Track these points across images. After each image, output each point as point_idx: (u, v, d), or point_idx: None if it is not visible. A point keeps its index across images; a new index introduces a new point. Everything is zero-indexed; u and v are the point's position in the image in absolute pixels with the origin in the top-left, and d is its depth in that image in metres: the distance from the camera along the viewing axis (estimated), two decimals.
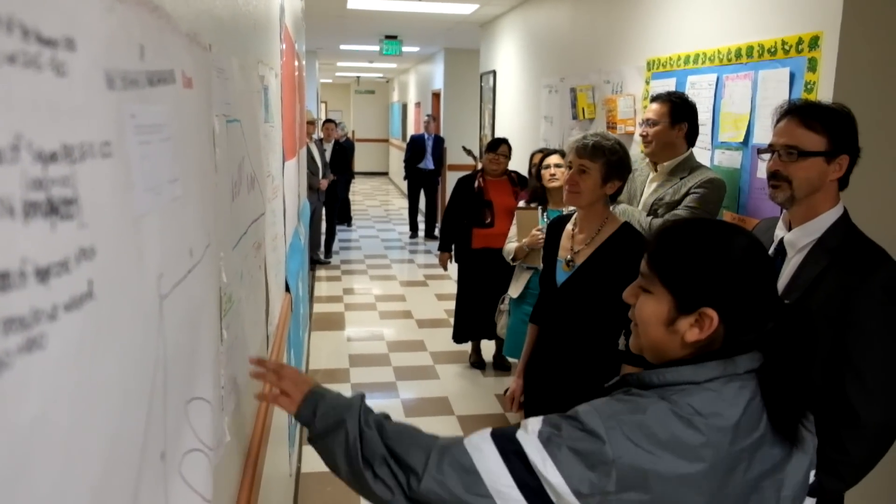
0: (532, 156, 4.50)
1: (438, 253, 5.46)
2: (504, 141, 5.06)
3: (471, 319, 5.20)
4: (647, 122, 2.97)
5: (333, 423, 1.27)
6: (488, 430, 1.17)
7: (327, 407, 1.31)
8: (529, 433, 1.12)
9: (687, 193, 2.82)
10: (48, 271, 0.48)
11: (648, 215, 2.89)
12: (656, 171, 3.00)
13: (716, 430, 1.07)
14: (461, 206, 5.07)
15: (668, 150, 2.94)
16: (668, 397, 1.10)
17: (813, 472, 1.23)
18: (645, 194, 3.02)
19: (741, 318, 1.13)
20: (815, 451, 1.23)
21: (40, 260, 0.48)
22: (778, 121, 1.84)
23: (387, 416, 1.31)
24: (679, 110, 2.91)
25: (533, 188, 4.09)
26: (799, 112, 1.79)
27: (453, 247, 5.28)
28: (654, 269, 1.17)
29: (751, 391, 1.12)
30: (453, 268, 5.52)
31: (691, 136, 2.95)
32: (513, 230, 4.04)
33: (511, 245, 3.98)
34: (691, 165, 2.91)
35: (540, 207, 3.97)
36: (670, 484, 1.05)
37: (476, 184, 5.00)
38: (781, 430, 1.12)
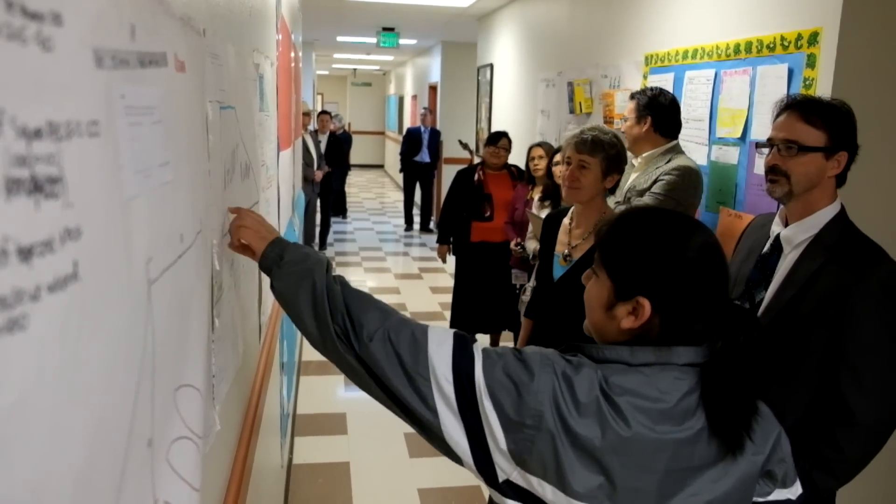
0: (530, 149, 4.49)
1: (437, 245, 5.45)
2: (504, 134, 5.05)
3: (468, 312, 5.19)
4: (622, 119, 3.11)
5: (303, 271, 1.28)
6: (454, 331, 1.22)
7: (297, 254, 1.32)
8: (477, 347, 1.18)
9: (656, 181, 2.86)
10: (31, 250, 0.47)
11: (620, 203, 2.92)
12: None
13: (638, 411, 1.08)
14: (460, 198, 5.06)
15: (641, 144, 3.01)
16: (603, 371, 1.12)
17: (785, 492, 1.22)
18: (626, 184, 3.06)
19: (676, 312, 1.14)
20: (791, 465, 1.22)
21: (23, 238, 0.46)
22: (777, 115, 1.83)
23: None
24: (641, 106, 2.98)
25: (545, 186, 4.09)
26: (799, 107, 1.78)
27: (451, 239, 5.27)
28: (600, 253, 1.21)
29: (689, 384, 1.12)
30: (450, 260, 5.50)
31: (665, 129, 2.99)
32: (531, 229, 4.06)
33: (532, 244, 4.01)
34: (671, 156, 2.95)
35: (551, 205, 3.96)
36: (578, 442, 1.07)
37: (476, 177, 4.99)
38: (718, 431, 1.12)
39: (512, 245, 4.35)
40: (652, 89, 3.05)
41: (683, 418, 1.10)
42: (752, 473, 1.16)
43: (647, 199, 2.85)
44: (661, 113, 2.97)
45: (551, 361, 1.13)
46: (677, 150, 2.99)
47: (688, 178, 2.84)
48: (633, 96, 3.08)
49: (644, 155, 3.00)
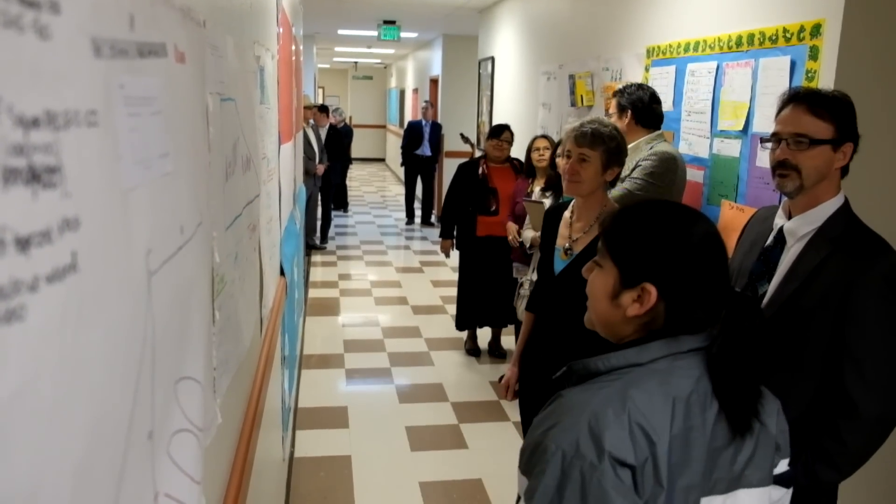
0: (532, 141, 4.48)
1: (440, 240, 5.44)
2: (507, 127, 5.04)
3: (473, 307, 5.19)
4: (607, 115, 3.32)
5: None
6: None
7: None
8: None
9: (635, 167, 3.03)
10: (29, 241, 0.47)
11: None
12: None
13: (669, 408, 1.08)
14: (463, 192, 5.05)
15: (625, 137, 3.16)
16: (613, 384, 1.11)
17: (786, 462, 1.23)
18: None
19: (681, 297, 1.15)
20: (786, 439, 1.23)
21: (20, 228, 0.46)
22: (781, 109, 1.82)
23: None
24: (621, 103, 3.21)
25: (548, 177, 4.09)
26: (806, 99, 1.76)
27: (454, 234, 5.26)
28: (606, 243, 1.22)
29: (699, 369, 1.13)
30: (453, 254, 5.50)
31: (646, 121, 3.18)
32: (528, 219, 4.06)
33: (528, 233, 4.00)
34: (653, 144, 3.12)
35: (553, 195, 3.95)
36: (628, 483, 1.05)
37: (480, 171, 4.98)
38: (730, 417, 1.13)
39: (509, 238, 4.35)
40: (630, 85, 3.27)
41: (704, 402, 1.11)
42: (768, 447, 1.18)
43: (626, 184, 2.98)
44: (639, 106, 3.17)
45: (561, 453, 1.06)
46: (660, 140, 3.17)
47: (664, 163, 3.01)
48: (613, 94, 3.30)
49: (630, 146, 3.11)
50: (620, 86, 3.39)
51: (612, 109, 3.26)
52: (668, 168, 3.01)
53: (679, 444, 1.08)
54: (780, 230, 1.86)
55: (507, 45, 7.28)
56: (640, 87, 3.25)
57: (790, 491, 1.28)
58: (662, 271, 1.14)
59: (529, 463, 1.10)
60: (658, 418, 1.07)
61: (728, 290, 1.18)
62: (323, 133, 9.02)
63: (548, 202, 3.88)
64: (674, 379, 1.11)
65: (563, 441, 1.06)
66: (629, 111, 3.18)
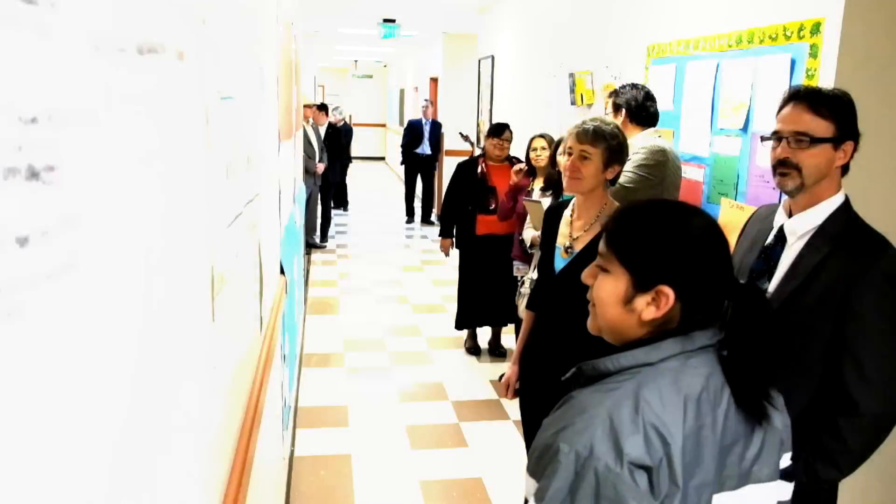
0: (531, 140, 4.48)
1: (440, 239, 5.43)
2: (507, 126, 5.03)
3: (474, 305, 5.19)
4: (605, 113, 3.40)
5: None
6: None
7: None
8: None
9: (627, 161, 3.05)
10: (28, 239, 0.47)
11: None
12: None
13: (682, 407, 1.07)
14: (462, 191, 5.05)
15: None
16: (624, 384, 1.10)
17: (788, 456, 1.23)
18: None
19: (697, 295, 1.14)
20: (789, 434, 1.23)
21: (20, 226, 0.46)
22: (782, 107, 1.81)
23: None
24: (615, 102, 3.30)
25: (548, 175, 4.09)
26: (807, 98, 1.76)
27: (454, 233, 5.26)
28: (612, 248, 1.18)
29: (709, 366, 1.13)
30: (453, 253, 5.49)
31: (640, 119, 3.24)
32: (529, 218, 4.06)
33: (528, 233, 4.00)
34: (645, 142, 3.16)
35: (553, 195, 3.95)
36: (644, 484, 1.04)
37: (479, 169, 4.98)
38: (744, 406, 1.13)
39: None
40: (625, 85, 3.34)
41: (715, 399, 1.11)
42: (774, 442, 1.18)
43: (619, 179, 2.95)
44: (633, 105, 3.24)
45: (568, 435, 1.06)
46: (651, 138, 3.21)
47: (653, 155, 3.06)
48: (609, 95, 3.38)
49: None
50: (617, 86, 3.42)
51: (609, 109, 3.32)
52: (658, 160, 3.04)
53: (692, 443, 1.07)
54: (781, 228, 1.86)
55: (507, 43, 7.27)
56: (634, 86, 3.30)
57: (792, 484, 1.28)
58: (677, 272, 1.12)
59: (539, 464, 1.09)
60: (671, 418, 1.06)
61: (734, 283, 1.18)
62: (322, 132, 9.00)
63: (547, 202, 3.87)
64: (685, 378, 1.10)
65: (576, 442, 1.05)
66: (623, 110, 3.24)
